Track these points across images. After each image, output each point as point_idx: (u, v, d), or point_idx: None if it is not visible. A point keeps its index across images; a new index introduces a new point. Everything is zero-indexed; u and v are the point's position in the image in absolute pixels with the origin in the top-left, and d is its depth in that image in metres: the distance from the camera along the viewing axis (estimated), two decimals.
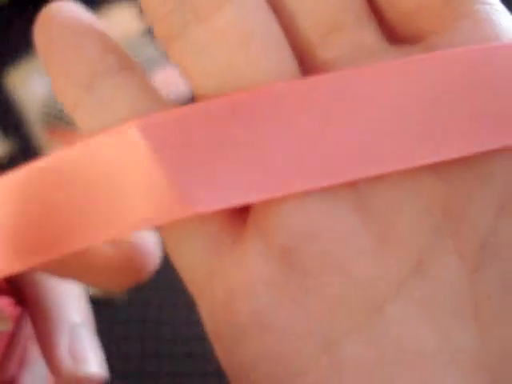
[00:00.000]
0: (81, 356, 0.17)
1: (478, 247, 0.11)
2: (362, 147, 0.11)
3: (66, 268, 0.15)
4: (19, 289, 0.17)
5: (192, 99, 0.13)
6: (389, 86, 0.11)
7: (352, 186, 0.11)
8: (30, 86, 0.49)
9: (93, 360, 0.17)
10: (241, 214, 0.12)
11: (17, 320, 0.17)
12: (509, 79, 0.11)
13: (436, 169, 0.11)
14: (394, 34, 0.13)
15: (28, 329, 0.17)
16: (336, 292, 0.11)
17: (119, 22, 0.50)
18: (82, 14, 0.13)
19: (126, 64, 0.13)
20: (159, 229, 0.13)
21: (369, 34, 0.12)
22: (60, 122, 0.46)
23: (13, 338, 0.17)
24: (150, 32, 0.49)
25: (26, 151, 0.47)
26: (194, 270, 0.12)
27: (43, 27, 0.13)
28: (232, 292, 0.12)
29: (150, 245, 0.15)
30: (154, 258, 0.15)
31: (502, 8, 0.12)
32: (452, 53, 0.11)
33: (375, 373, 0.11)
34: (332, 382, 0.11)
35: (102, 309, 0.41)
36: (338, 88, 0.11)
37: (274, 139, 0.11)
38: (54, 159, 0.13)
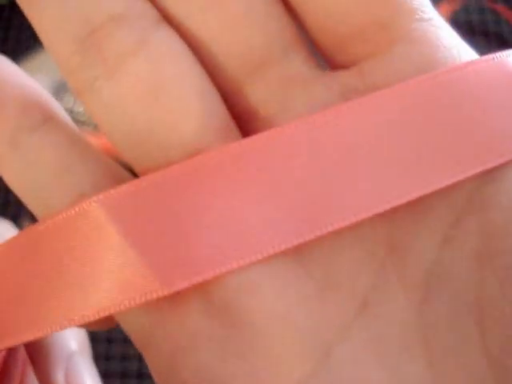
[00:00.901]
0: None
1: (423, 279, 0.11)
2: (317, 202, 0.11)
3: None
4: None
5: None
6: (327, 137, 0.11)
7: None
8: None
9: None
10: None
11: (4, 359, 0.16)
12: (447, 115, 0.11)
13: None
14: (330, 60, 0.12)
15: (24, 357, 0.17)
16: (280, 342, 0.11)
17: None
18: (5, 67, 0.13)
19: (50, 116, 0.12)
20: None
21: (298, 64, 0.12)
22: None
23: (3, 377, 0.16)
24: None
25: None
26: (136, 327, 0.12)
27: None
28: (174, 348, 0.11)
29: None
30: None
31: (440, 22, 0.12)
32: (385, 93, 0.11)
33: None
34: None
35: None
36: (281, 143, 0.11)
37: (225, 206, 0.11)
38: (22, 235, 0.12)
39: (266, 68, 0.12)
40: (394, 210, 0.11)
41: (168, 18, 0.12)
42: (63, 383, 0.16)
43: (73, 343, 0.17)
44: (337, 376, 0.11)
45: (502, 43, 0.45)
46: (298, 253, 0.11)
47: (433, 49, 0.11)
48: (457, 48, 0.12)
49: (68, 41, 0.11)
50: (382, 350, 0.11)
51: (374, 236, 0.11)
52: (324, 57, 0.12)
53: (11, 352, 0.16)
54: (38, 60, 0.49)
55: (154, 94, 0.11)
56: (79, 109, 0.41)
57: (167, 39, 0.11)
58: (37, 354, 0.16)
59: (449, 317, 0.11)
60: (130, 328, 0.12)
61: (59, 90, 0.47)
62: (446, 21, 0.12)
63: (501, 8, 0.46)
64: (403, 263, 0.11)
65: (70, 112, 0.41)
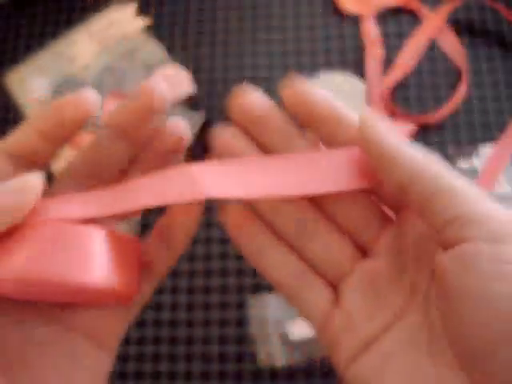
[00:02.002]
0: None
1: (423, 302, 0.19)
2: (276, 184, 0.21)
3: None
4: None
5: (190, 98, 0.13)
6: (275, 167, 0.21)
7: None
8: (30, 86, 0.49)
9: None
10: None
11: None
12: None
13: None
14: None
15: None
16: (340, 329, 0.21)
17: (119, 21, 0.50)
18: (263, 97, 0.21)
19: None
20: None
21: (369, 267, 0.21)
22: None
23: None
24: (149, 30, 0.49)
25: None
26: (314, 315, 0.21)
27: (238, 102, 0.21)
28: (328, 318, 0.21)
29: (180, 126, 0.21)
30: (185, 136, 0.21)
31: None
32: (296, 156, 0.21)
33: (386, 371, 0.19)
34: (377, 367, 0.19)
35: None
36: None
37: None
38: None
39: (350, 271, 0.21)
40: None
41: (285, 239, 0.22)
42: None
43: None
44: (375, 360, 0.19)
45: (502, 42, 0.45)
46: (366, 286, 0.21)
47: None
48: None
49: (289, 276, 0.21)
50: (407, 349, 0.19)
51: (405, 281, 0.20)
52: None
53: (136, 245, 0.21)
54: (38, 60, 0.49)
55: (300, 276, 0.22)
56: None
57: (287, 251, 0.22)
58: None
59: (438, 322, 0.18)
60: (308, 317, 0.22)
61: (59, 90, 0.47)
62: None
63: (501, 8, 0.46)
64: (415, 294, 0.19)
65: None
